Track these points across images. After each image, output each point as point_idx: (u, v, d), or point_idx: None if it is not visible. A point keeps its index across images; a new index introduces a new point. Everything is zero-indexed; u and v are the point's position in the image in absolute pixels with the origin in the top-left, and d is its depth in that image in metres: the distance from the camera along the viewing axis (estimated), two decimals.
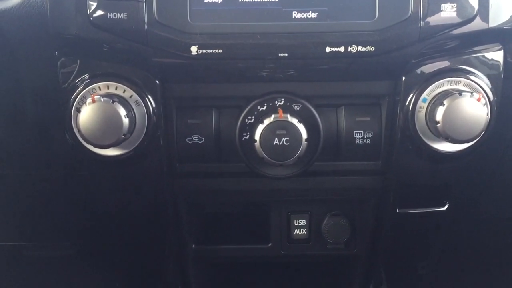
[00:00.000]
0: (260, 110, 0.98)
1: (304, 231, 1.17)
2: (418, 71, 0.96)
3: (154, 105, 0.97)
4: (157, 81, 0.97)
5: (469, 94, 0.91)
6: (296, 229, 1.17)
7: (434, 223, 1.14)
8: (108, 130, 0.91)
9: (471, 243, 1.29)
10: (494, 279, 1.37)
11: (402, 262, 1.24)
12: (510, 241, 1.27)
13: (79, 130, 0.91)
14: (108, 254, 1.31)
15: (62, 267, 1.42)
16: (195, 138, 1.01)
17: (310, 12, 0.92)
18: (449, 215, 1.11)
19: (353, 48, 0.92)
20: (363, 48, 0.91)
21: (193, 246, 1.18)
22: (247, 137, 0.99)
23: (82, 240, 1.32)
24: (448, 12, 0.91)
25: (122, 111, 0.91)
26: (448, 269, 1.33)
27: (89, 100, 0.91)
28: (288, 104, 0.98)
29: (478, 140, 0.96)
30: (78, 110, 0.92)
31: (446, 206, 1.10)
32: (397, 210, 1.09)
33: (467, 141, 0.93)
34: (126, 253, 1.25)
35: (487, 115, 0.93)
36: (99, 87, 0.94)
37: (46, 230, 1.32)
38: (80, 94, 0.94)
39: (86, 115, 0.90)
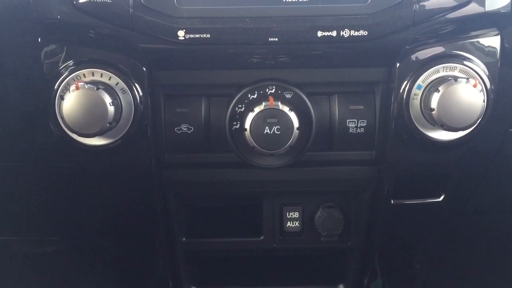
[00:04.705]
0: (250, 98, 0.96)
1: (297, 223, 1.14)
2: (413, 57, 0.94)
3: (141, 93, 0.94)
4: (144, 68, 0.94)
5: (465, 80, 0.89)
6: (288, 222, 1.14)
7: (430, 214, 1.11)
8: (92, 118, 0.88)
9: (467, 235, 1.27)
10: (491, 272, 1.35)
11: (397, 254, 1.22)
12: (507, 233, 1.25)
13: (62, 118, 0.89)
14: (97, 248, 1.29)
15: (51, 263, 1.39)
16: (184, 128, 0.99)
17: None
18: (444, 206, 1.08)
19: (345, 32, 0.89)
20: (356, 32, 0.89)
21: (184, 239, 1.15)
22: (237, 126, 0.96)
23: (71, 235, 1.29)
24: None
25: (107, 99, 0.89)
26: (444, 262, 1.31)
27: (72, 87, 0.88)
28: (279, 92, 0.96)
29: (474, 128, 0.93)
30: (62, 98, 0.90)
31: (442, 197, 1.08)
32: (392, 201, 1.07)
33: (463, 129, 0.91)
34: (115, 246, 1.22)
35: (484, 101, 0.91)
36: (83, 74, 0.92)
37: (34, 225, 1.29)
38: (64, 81, 0.91)
39: (70, 102, 0.88)
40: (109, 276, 1.32)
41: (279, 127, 0.92)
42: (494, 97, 0.95)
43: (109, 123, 0.89)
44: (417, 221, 1.13)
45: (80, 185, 1.08)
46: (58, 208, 1.20)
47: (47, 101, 0.92)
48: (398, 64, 0.94)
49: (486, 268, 1.37)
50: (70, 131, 0.90)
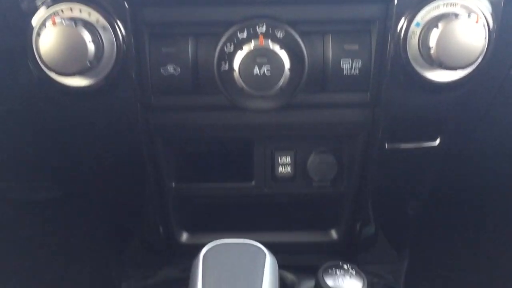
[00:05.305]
0: (240, 37, 0.91)
1: (288, 168, 1.12)
2: None
3: (123, 31, 0.89)
4: (126, 4, 0.89)
5: (466, 16, 0.84)
6: (280, 167, 1.12)
7: (425, 159, 1.09)
8: (71, 56, 0.84)
9: (463, 181, 1.25)
10: (487, 218, 1.34)
11: (391, 200, 1.20)
12: (504, 178, 1.23)
13: (40, 56, 0.84)
14: (87, 195, 1.27)
15: (41, 209, 1.38)
16: (170, 68, 0.94)
17: None
18: (440, 151, 1.06)
19: None
20: None
21: (173, 184, 1.13)
22: (226, 66, 0.92)
23: (59, 181, 1.27)
24: None
25: (87, 36, 0.84)
26: (438, 208, 1.30)
27: (49, 22, 0.83)
28: (270, 30, 0.91)
29: (474, 68, 0.89)
30: (39, 35, 0.85)
31: (438, 141, 1.05)
32: (386, 145, 1.04)
33: (462, 67, 0.87)
34: (104, 193, 1.20)
35: (485, 39, 0.86)
36: (61, 10, 0.86)
37: (23, 170, 1.27)
38: (41, 17, 0.86)
39: (47, 39, 0.83)
40: (99, 223, 1.31)
41: (269, 67, 0.88)
42: (497, 36, 0.90)
43: (90, 62, 0.85)
44: (411, 166, 1.10)
45: (65, 129, 1.04)
46: (44, 153, 1.17)
47: (25, 38, 0.87)
48: (395, 0, 0.89)
49: (481, 215, 1.36)
50: (48, 69, 0.85)
